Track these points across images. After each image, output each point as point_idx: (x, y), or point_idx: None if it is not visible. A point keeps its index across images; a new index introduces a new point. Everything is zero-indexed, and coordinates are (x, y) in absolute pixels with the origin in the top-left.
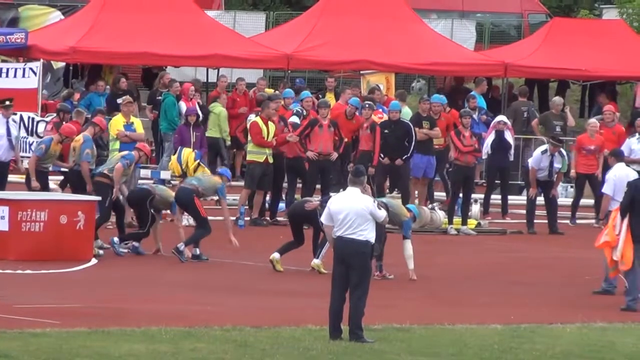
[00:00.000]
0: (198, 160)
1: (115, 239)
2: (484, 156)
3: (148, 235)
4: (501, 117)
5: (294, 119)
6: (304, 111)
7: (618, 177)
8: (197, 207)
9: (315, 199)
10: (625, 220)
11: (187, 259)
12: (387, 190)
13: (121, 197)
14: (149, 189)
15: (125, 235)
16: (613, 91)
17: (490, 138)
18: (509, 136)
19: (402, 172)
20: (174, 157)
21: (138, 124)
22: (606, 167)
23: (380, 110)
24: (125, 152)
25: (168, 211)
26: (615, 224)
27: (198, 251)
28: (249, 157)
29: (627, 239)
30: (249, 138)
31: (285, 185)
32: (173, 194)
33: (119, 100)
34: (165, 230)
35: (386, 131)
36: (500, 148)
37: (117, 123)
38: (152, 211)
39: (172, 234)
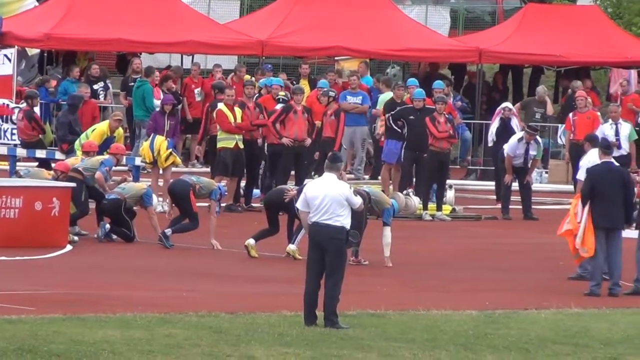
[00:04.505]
0: (170, 149)
1: (107, 225)
2: (490, 143)
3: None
4: (507, 104)
5: (280, 107)
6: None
7: (592, 163)
8: (191, 201)
9: (290, 186)
10: (586, 208)
11: (172, 245)
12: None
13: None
14: (118, 197)
15: (116, 230)
16: (588, 76)
17: (494, 125)
18: (514, 123)
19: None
20: (146, 143)
21: (120, 136)
22: (580, 154)
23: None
24: (104, 157)
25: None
26: (577, 211)
27: (169, 233)
28: (219, 145)
29: (588, 226)
30: (218, 127)
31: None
32: (141, 187)
33: (100, 95)
34: (139, 217)
35: (411, 117)
36: (506, 135)
37: (99, 134)
38: (125, 216)
39: (146, 220)
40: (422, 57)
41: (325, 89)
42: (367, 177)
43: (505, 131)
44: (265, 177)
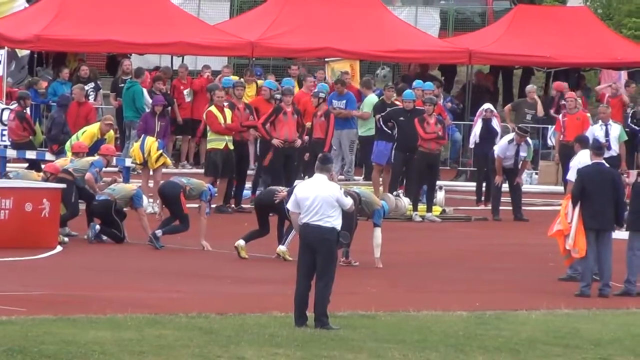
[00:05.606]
0: (161, 151)
1: (97, 226)
2: (472, 145)
3: (125, 239)
4: (488, 105)
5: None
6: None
7: (582, 164)
8: (181, 203)
9: (281, 188)
10: (577, 209)
11: (162, 246)
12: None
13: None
14: (109, 198)
15: (106, 231)
16: (579, 78)
17: (477, 127)
18: (495, 124)
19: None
20: (136, 144)
21: (110, 138)
22: (570, 155)
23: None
24: (94, 158)
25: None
26: (567, 212)
27: (159, 234)
28: (209, 145)
29: (579, 227)
30: (208, 128)
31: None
32: (131, 188)
33: (91, 96)
34: (130, 218)
35: (401, 119)
36: (488, 136)
37: (90, 136)
38: (115, 217)
39: (137, 221)
40: (412, 58)
41: (315, 90)
42: (358, 178)
43: (487, 132)
44: (258, 178)
